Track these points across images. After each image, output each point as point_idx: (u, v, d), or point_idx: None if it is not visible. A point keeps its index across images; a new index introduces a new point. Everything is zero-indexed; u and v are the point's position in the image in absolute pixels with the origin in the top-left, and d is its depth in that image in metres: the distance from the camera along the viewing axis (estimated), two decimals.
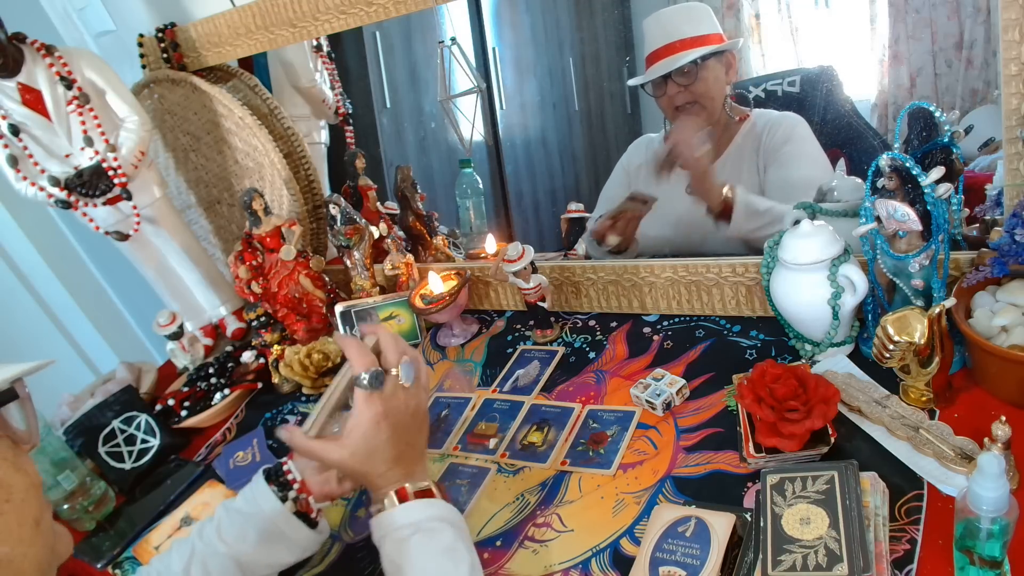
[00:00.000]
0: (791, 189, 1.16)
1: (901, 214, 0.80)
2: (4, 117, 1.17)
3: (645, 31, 1.24)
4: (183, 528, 0.97)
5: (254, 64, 1.55)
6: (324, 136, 1.62)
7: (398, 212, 1.52)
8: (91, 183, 1.21)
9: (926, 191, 0.80)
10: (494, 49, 1.53)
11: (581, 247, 1.38)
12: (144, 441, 1.18)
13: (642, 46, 1.34)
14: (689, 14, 1.20)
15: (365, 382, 0.69)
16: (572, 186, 1.64)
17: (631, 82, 1.31)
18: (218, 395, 1.26)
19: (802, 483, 0.71)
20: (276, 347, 1.30)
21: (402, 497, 0.70)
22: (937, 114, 0.86)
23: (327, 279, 1.38)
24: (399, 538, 0.68)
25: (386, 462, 0.71)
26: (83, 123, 1.21)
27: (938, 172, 0.79)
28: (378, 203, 1.50)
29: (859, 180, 1.08)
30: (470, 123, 1.54)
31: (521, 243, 1.16)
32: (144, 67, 1.49)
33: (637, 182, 1.40)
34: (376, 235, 1.37)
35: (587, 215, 1.38)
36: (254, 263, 1.32)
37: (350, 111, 1.59)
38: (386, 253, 1.36)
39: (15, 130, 1.18)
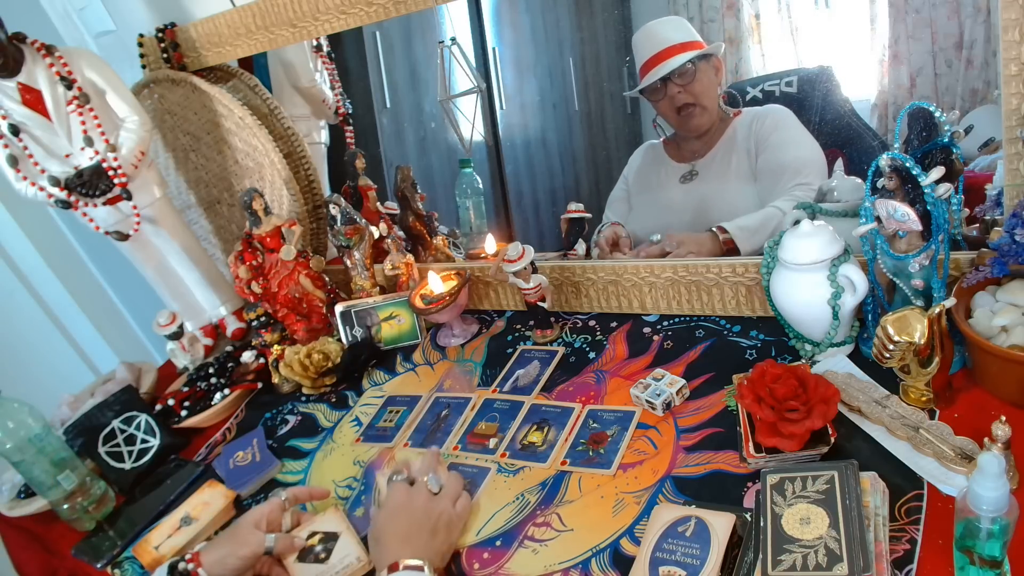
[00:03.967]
0: (784, 170, 1.22)
1: (901, 214, 0.80)
2: (4, 117, 1.17)
3: (636, 45, 1.30)
4: (183, 528, 0.97)
5: (254, 64, 1.55)
6: (324, 136, 1.62)
7: (398, 212, 1.52)
8: (91, 183, 1.21)
9: (926, 191, 0.80)
10: (494, 49, 1.53)
11: (581, 247, 1.38)
12: (144, 441, 1.18)
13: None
14: (674, 24, 1.27)
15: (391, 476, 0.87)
16: (572, 186, 1.64)
17: (628, 93, 1.35)
18: (218, 395, 1.26)
19: (802, 483, 0.71)
20: (276, 347, 1.30)
21: (392, 569, 0.74)
22: (937, 114, 0.86)
23: (327, 279, 1.38)
24: None
25: (393, 539, 0.78)
26: (83, 123, 1.21)
27: (938, 172, 0.79)
28: (378, 203, 1.50)
29: (859, 180, 1.08)
30: (470, 123, 1.54)
31: (521, 243, 1.16)
32: (144, 67, 1.49)
33: (636, 187, 1.42)
34: (376, 235, 1.37)
35: (587, 215, 1.38)
36: (254, 263, 1.32)
37: (350, 111, 1.59)
38: (386, 253, 1.36)
39: (15, 130, 1.18)
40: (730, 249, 1.20)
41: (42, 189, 1.20)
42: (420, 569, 0.74)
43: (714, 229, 1.21)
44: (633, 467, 0.87)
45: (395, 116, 1.59)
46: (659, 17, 1.30)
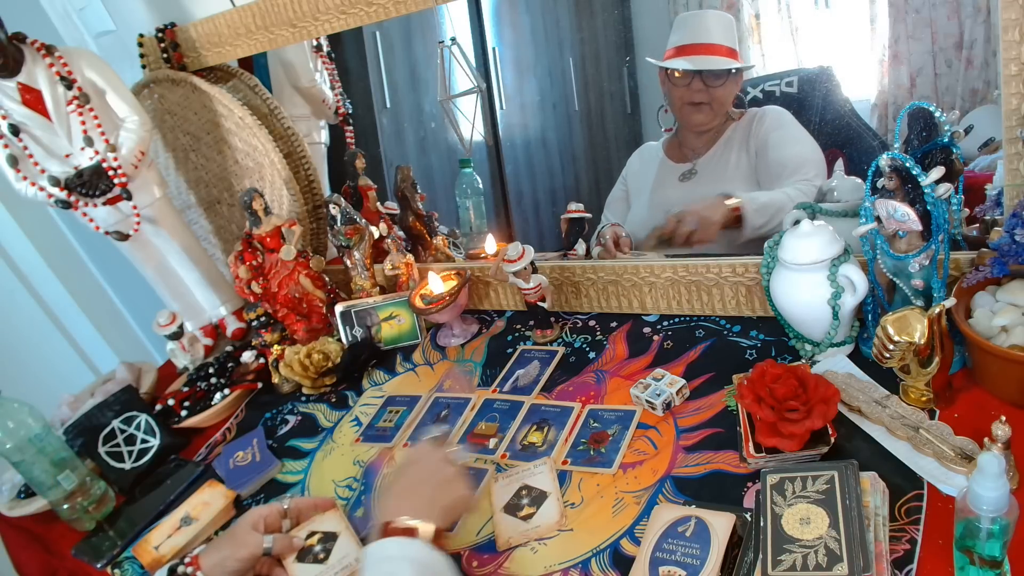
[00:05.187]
0: (784, 168, 1.23)
1: (901, 214, 0.80)
2: (4, 117, 1.17)
3: (686, 22, 1.28)
4: (183, 528, 0.97)
5: (254, 64, 1.55)
6: (324, 136, 1.62)
7: (398, 212, 1.52)
8: (91, 183, 1.21)
9: (926, 191, 0.80)
10: (494, 49, 1.53)
11: (581, 247, 1.38)
12: (144, 441, 1.18)
13: (643, 46, 1.35)
14: (725, 24, 1.27)
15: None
16: (572, 186, 1.64)
17: (651, 60, 1.33)
18: (218, 395, 1.26)
19: (802, 483, 0.71)
20: (276, 347, 1.30)
21: (385, 531, 0.72)
22: (937, 114, 0.86)
23: (327, 279, 1.38)
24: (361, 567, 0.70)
25: (395, 497, 0.77)
26: (83, 123, 1.21)
27: (938, 172, 0.79)
28: (378, 203, 1.50)
29: (859, 180, 1.08)
30: (470, 123, 1.54)
31: (521, 243, 1.16)
32: (144, 67, 1.49)
33: (635, 187, 1.42)
34: (376, 235, 1.37)
35: (587, 215, 1.38)
36: (254, 263, 1.32)
37: (350, 111, 1.59)
38: (386, 253, 1.36)
39: (15, 130, 1.18)
40: (736, 220, 1.19)
41: (42, 189, 1.20)
42: (413, 533, 0.70)
43: (723, 197, 1.20)
44: (633, 467, 0.87)
45: (395, 116, 1.59)
46: (659, 17, 1.30)
